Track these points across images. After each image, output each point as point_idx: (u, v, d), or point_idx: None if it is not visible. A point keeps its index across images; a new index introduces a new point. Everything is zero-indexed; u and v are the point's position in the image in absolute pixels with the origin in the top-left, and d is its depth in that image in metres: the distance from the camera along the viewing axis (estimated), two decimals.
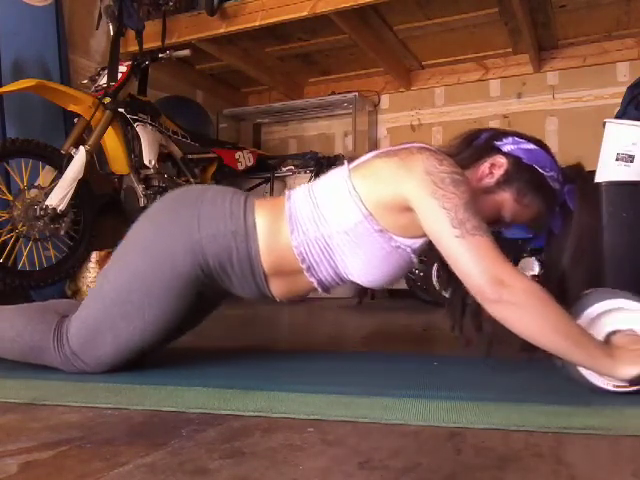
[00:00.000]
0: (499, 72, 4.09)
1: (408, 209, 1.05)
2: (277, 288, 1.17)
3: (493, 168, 1.13)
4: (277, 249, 1.12)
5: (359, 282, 1.15)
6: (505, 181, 1.12)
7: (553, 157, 1.15)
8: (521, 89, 4.06)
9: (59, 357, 1.15)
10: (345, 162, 1.16)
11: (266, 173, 3.74)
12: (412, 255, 1.11)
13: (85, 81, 2.83)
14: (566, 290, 1.08)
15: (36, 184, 2.40)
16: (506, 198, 1.13)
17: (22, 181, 2.36)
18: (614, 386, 0.96)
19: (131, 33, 3.24)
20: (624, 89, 2.66)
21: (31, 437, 0.75)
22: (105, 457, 0.67)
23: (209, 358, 1.36)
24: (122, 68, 2.72)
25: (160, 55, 2.82)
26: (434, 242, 1.03)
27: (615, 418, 0.83)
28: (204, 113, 3.89)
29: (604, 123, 2.37)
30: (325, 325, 2.45)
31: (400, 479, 0.60)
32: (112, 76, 2.66)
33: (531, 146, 1.13)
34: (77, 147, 2.46)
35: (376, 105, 4.46)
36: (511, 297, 0.93)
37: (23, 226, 2.31)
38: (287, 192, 1.19)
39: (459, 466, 0.64)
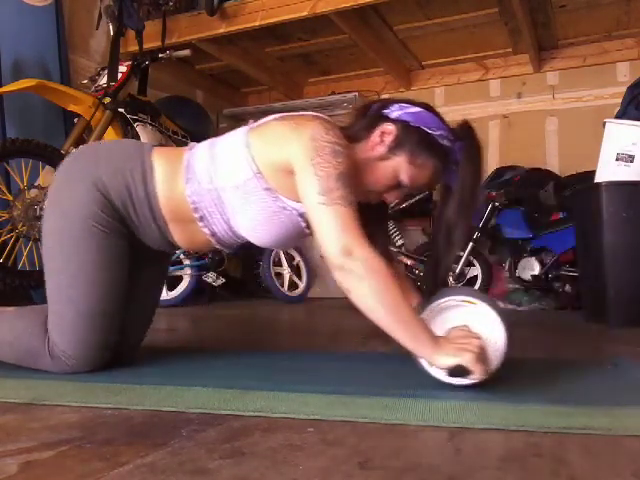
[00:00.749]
0: (499, 72, 4.09)
1: (293, 172, 1.09)
2: (178, 236, 1.22)
3: (383, 136, 1.16)
4: (173, 196, 1.18)
5: (250, 239, 1.20)
6: (396, 146, 1.15)
7: (439, 117, 1.18)
8: (521, 89, 4.06)
9: (52, 361, 1.15)
10: (250, 122, 1.22)
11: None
12: (299, 219, 1.15)
13: (85, 81, 2.83)
14: (452, 242, 1.15)
15: (36, 184, 2.40)
16: (400, 162, 1.15)
17: (22, 181, 2.36)
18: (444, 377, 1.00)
19: (131, 33, 3.24)
20: (624, 89, 2.66)
21: (31, 437, 0.75)
22: (105, 457, 0.67)
23: (209, 358, 1.36)
24: (122, 68, 2.72)
25: (160, 55, 2.82)
26: (303, 205, 1.09)
27: (615, 418, 0.82)
28: (204, 113, 3.89)
29: (604, 123, 2.37)
30: (325, 325, 2.45)
31: (400, 479, 0.60)
32: (112, 76, 2.66)
33: (416, 109, 1.16)
34: (77, 147, 2.45)
35: None
36: (353, 267, 1.00)
37: (23, 226, 2.31)
38: (190, 144, 1.26)
39: (459, 466, 0.64)
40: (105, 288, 1.16)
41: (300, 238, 1.25)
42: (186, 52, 2.81)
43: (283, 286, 3.52)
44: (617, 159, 2.29)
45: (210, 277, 3.28)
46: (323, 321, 2.62)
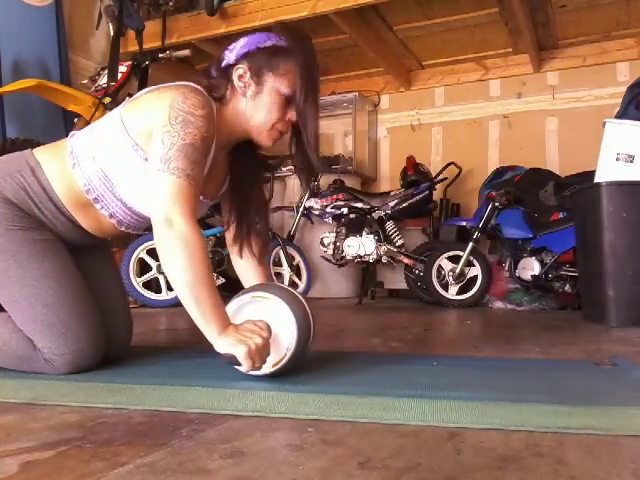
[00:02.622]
0: (499, 72, 4.09)
1: None
2: (85, 222, 1.23)
3: (242, 78, 1.20)
4: (66, 183, 1.19)
5: (144, 213, 1.21)
6: (257, 75, 1.19)
7: (262, 32, 1.24)
8: (521, 89, 4.06)
9: (47, 364, 1.14)
10: (126, 99, 1.25)
11: (266, 173, 3.73)
12: None
13: (85, 81, 2.83)
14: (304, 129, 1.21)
15: None
16: (271, 83, 1.19)
17: None
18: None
19: (131, 33, 3.24)
20: (624, 89, 2.66)
21: (31, 437, 0.75)
22: (105, 457, 0.67)
23: (209, 358, 1.36)
24: (122, 68, 2.72)
25: (160, 55, 2.82)
26: (146, 168, 1.11)
27: (615, 418, 0.82)
28: None
29: (604, 123, 2.37)
30: (325, 325, 2.45)
31: (400, 479, 0.60)
32: (112, 76, 2.67)
33: (241, 41, 1.22)
34: None
35: (376, 105, 4.46)
36: (169, 237, 1.03)
37: None
38: (72, 132, 1.27)
39: (459, 466, 0.64)
40: (55, 276, 1.16)
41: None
42: (186, 52, 2.82)
43: None
44: (617, 159, 2.29)
45: None
46: (323, 321, 2.62)
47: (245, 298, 1.11)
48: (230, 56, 1.21)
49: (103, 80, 2.70)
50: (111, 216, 1.22)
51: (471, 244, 3.17)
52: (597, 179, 2.33)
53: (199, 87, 1.16)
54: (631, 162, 2.26)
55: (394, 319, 2.67)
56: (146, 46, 3.21)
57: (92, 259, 1.33)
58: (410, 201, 3.51)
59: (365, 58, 3.97)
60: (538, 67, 3.93)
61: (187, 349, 1.59)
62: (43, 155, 1.22)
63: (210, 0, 3.12)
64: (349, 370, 1.25)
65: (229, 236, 1.35)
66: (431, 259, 3.32)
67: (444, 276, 3.29)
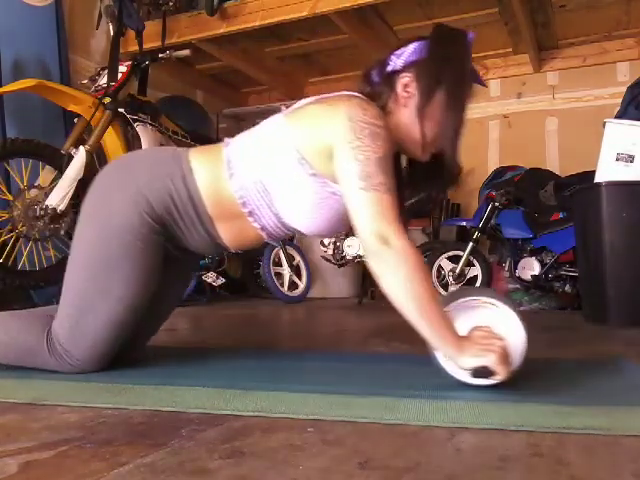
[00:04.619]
0: (499, 72, 4.09)
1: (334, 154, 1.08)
2: (226, 234, 1.19)
3: (407, 88, 1.14)
4: (218, 193, 1.14)
5: (299, 228, 1.17)
6: (426, 86, 1.12)
7: (426, 37, 1.16)
8: (521, 89, 4.06)
9: (53, 358, 1.14)
10: (282, 108, 1.20)
11: None
12: None
13: (85, 81, 2.83)
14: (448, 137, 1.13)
15: (36, 184, 2.39)
16: (440, 96, 1.12)
17: (22, 181, 2.36)
18: (465, 377, 1.00)
19: (131, 33, 3.24)
20: (624, 89, 2.66)
21: (31, 437, 0.75)
22: (105, 457, 0.67)
23: (209, 358, 1.36)
24: (122, 68, 2.72)
25: (160, 55, 2.82)
26: (341, 188, 1.06)
27: (615, 418, 0.82)
28: (204, 113, 3.89)
29: (604, 123, 2.37)
30: (325, 325, 2.45)
31: (400, 479, 0.60)
32: (112, 76, 2.66)
33: (409, 47, 1.15)
34: (77, 147, 2.45)
35: None
36: (387, 256, 0.98)
37: (23, 226, 2.31)
38: (226, 139, 1.22)
39: (459, 466, 0.64)
40: (131, 302, 1.14)
41: (347, 223, 1.21)
42: (186, 52, 2.81)
43: (283, 286, 3.52)
44: (617, 159, 2.29)
45: (210, 277, 3.28)
46: (323, 321, 2.62)
47: (473, 302, 1.05)
48: (397, 62, 1.15)
49: (103, 80, 2.69)
50: (263, 228, 1.18)
51: (471, 244, 3.17)
52: (597, 179, 2.32)
53: (365, 98, 1.12)
54: (631, 162, 2.26)
55: (394, 319, 2.66)
56: (146, 46, 3.21)
57: (180, 265, 1.29)
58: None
59: (365, 58, 3.94)
60: (538, 67, 3.92)
61: (187, 349, 1.59)
62: (197, 161, 1.16)
63: (210, 0, 3.12)
64: (349, 370, 1.25)
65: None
66: (431, 259, 3.32)
67: (444, 276, 3.29)
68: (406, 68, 1.14)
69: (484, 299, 1.05)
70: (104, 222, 1.13)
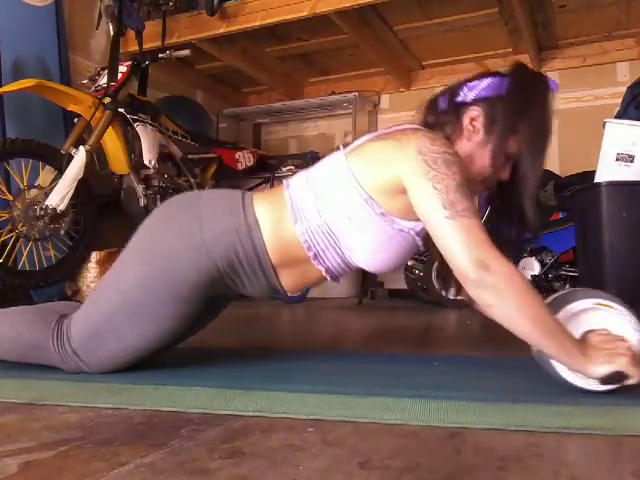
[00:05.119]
0: None
1: (405, 190, 1.05)
2: (287, 280, 1.17)
3: (473, 121, 1.13)
4: (282, 239, 1.11)
5: (365, 267, 1.14)
6: (491, 124, 1.11)
7: (503, 74, 1.15)
8: None
9: (59, 355, 1.14)
10: (340, 147, 1.16)
11: (266, 173, 3.74)
12: (417, 238, 1.10)
13: (85, 81, 2.83)
14: (525, 190, 1.10)
15: (36, 184, 2.40)
16: (514, 144, 1.11)
17: (22, 181, 2.36)
18: (589, 384, 0.97)
19: (131, 33, 3.24)
20: (624, 89, 2.66)
21: (31, 437, 0.75)
22: (105, 457, 0.67)
23: (209, 358, 1.36)
24: (122, 68, 2.72)
25: (160, 55, 2.82)
26: (424, 222, 1.04)
27: (615, 418, 0.82)
28: (204, 113, 3.89)
29: (604, 123, 2.37)
30: (325, 325, 2.45)
31: (400, 479, 0.60)
32: (112, 76, 2.66)
33: (485, 81, 1.13)
34: (77, 147, 2.46)
35: (376, 105, 4.46)
36: (493, 282, 0.93)
37: (23, 226, 2.31)
38: (285, 181, 1.18)
39: (459, 466, 0.64)
40: (162, 339, 1.14)
41: (412, 255, 1.19)
42: (186, 52, 2.81)
43: None
44: (617, 159, 2.29)
45: None
46: (323, 321, 2.62)
47: (583, 305, 1.00)
48: (468, 94, 1.14)
49: (103, 80, 2.70)
50: (327, 270, 1.15)
51: None
52: (597, 179, 2.32)
53: (430, 130, 1.10)
54: (631, 162, 2.26)
55: (394, 319, 2.67)
56: (146, 46, 3.21)
57: (219, 301, 1.27)
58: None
59: (365, 58, 3.97)
60: (538, 67, 3.92)
61: (187, 349, 1.59)
62: (263, 209, 1.12)
63: (210, 0, 3.12)
64: (349, 370, 1.25)
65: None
66: (431, 259, 3.32)
67: None
68: (477, 102, 1.12)
69: (590, 301, 1.00)
70: (159, 266, 1.10)
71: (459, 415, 0.83)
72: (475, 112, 1.13)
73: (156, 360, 1.30)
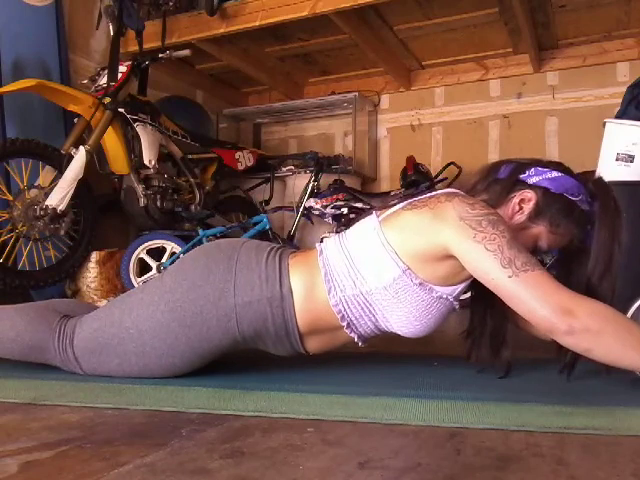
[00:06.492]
0: (499, 72, 4.08)
1: (447, 257, 1.03)
2: (312, 345, 1.17)
3: (522, 203, 1.11)
4: (314, 309, 1.10)
5: (401, 334, 1.13)
6: (537, 214, 1.11)
7: (578, 179, 1.13)
8: (521, 89, 4.06)
9: (59, 356, 1.15)
10: (374, 213, 1.14)
11: (266, 173, 3.74)
12: (454, 303, 1.10)
13: (85, 81, 2.83)
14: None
15: (36, 184, 2.40)
16: (540, 230, 1.12)
17: (22, 181, 2.36)
18: None
19: (131, 33, 3.23)
20: (624, 89, 2.65)
21: (31, 437, 0.75)
22: (105, 457, 0.67)
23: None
24: (122, 68, 2.72)
25: (160, 55, 2.82)
26: (488, 286, 1.01)
27: (615, 418, 0.82)
28: (204, 113, 3.89)
29: (604, 123, 2.37)
30: None
31: (400, 479, 0.60)
32: (112, 76, 2.66)
33: (555, 174, 1.11)
34: (77, 147, 2.45)
35: (376, 105, 4.46)
36: (585, 325, 0.92)
37: (23, 226, 2.31)
38: (319, 246, 1.16)
39: (459, 466, 0.64)
40: (168, 372, 1.14)
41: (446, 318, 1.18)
42: (186, 52, 2.81)
43: None
44: (617, 159, 2.28)
45: None
46: None
47: None
48: (534, 177, 1.11)
49: (103, 80, 2.69)
50: (359, 337, 1.14)
51: None
52: None
53: (464, 194, 1.10)
54: (631, 162, 2.26)
55: None
56: (146, 46, 3.20)
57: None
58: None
59: (365, 58, 3.97)
60: (538, 67, 3.92)
61: None
62: (297, 277, 1.11)
63: (210, 0, 3.12)
64: (349, 370, 1.25)
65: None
66: None
67: None
68: (535, 188, 1.11)
69: None
70: (185, 323, 1.09)
71: (459, 415, 0.83)
72: (529, 195, 1.11)
73: None
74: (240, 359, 1.37)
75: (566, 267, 1.19)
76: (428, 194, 1.12)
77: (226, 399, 0.93)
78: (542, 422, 0.79)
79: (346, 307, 1.09)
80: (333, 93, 4.31)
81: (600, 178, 1.16)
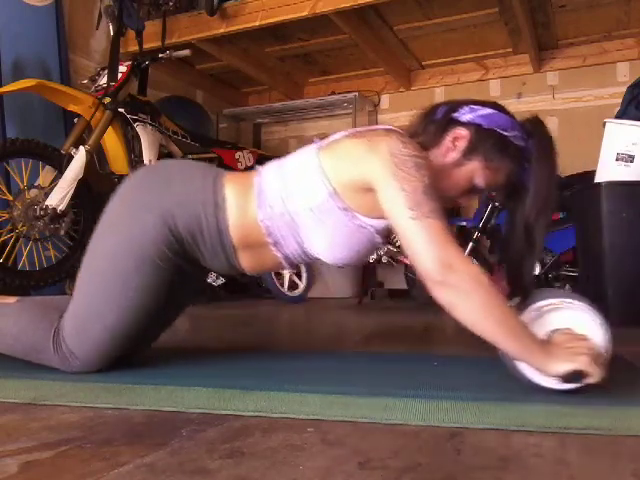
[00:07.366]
0: (499, 72, 4.09)
1: (371, 189, 1.07)
2: (246, 261, 1.19)
3: (456, 141, 1.13)
4: (245, 223, 1.14)
5: (323, 259, 1.17)
6: (470, 151, 1.12)
7: (512, 117, 1.14)
8: (521, 89, 4.06)
9: (57, 356, 1.15)
10: (315, 140, 1.19)
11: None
12: (376, 235, 1.13)
13: (85, 81, 2.83)
14: (533, 243, 1.09)
15: (36, 184, 2.40)
16: (475, 167, 1.13)
17: (22, 181, 2.36)
18: (551, 383, 0.97)
19: (131, 33, 3.24)
20: (624, 89, 2.66)
21: (31, 437, 0.75)
22: (105, 457, 0.67)
23: (208, 358, 1.36)
24: (122, 68, 2.72)
25: (160, 55, 2.82)
26: (391, 222, 1.05)
27: (615, 418, 0.82)
28: (204, 113, 3.89)
29: (604, 123, 2.37)
30: (325, 325, 2.45)
31: (400, 479, 0.60)
32: (112, 76, 2.66)
33: (488, 110, 1.13)
34: (77, 147, 2.45)
35: (376, 105, 4.47)
36: (456, 282, 0.95)
37: (23, 226, 2.31)
38: (258, 168, 1.21)
39: (459, 466, 0.64)
40: (141, 315, 1.14)
41: (373, 252, 1.21)
42: (186, 52, 2.82)
43: (283, 286, 3.52)
44: (617, 159, 2.29)
45: (210, 277, 3.29)
46: (323, 321, 2.62)
47: (548, 305, 1.01)
48: (467, 115, 1.13)
49: (103, 80, 2.70)
50: (285, 257, 1.18)
51: (471, 244, 3.17)
52: (597, 179, 2.32)
53: (404, 132, 1.13)
54: (631, 162, 2.26)
55: (394, 319, 2.67)
56: (146, 46, 3.21)
57: (191, 276, 1.27)
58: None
59: (365, 58, 3.97)
60: (538, 67, 3.93)
61: (187, 349, 1.59)
62: (231, 189, 1.15)
63: (210, 0, 3.13)
64: (349, 370, 1.25)
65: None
66: None
67: None
68: (468, 125, 1.12)
69: (555, 300, 1.01)
70: (127, 235, 1.13)
71: (459, 415, 0.83)
72: (462, 132, 1.13)
73: (155, 360, 1.30)
74: (240, 359, 1.37)
75: (510, 206, 1.18)
76: (370, 127, 1.15)
77: (226, 399, 0.93)
78: (542, 422, 0.79)
79: (273, 224, 1.14)
80: (333, 93, 4.31)
81: (536, 116, 1.17)
